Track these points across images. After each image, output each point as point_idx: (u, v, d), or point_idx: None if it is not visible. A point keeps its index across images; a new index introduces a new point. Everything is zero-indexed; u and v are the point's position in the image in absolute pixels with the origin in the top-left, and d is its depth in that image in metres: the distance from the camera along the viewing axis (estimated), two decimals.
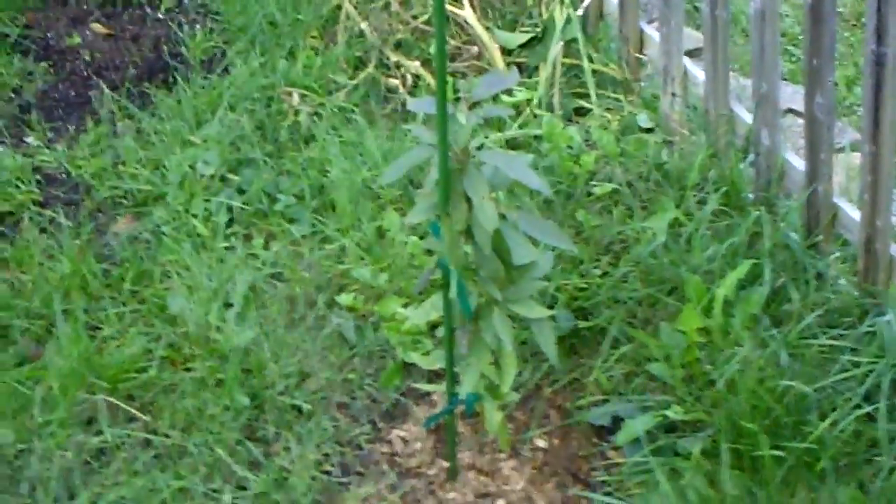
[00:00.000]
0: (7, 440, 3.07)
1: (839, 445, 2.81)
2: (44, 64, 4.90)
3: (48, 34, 5.07)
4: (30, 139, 4.50)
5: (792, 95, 4.31)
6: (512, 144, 4.04)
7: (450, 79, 4.13)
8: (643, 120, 4.17)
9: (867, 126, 3.09)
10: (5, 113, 4.64)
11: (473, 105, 2.65)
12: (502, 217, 2.64)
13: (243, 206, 3.95)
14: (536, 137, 4.02)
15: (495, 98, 4.04)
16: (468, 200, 2.61)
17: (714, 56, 3.77)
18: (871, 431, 2.84)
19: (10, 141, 4.47)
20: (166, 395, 3.22)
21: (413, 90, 4.46)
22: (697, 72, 3.99)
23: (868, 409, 2.86)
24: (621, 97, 4.30)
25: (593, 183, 3.81)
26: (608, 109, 4.25)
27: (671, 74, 4.08)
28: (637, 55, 4.35)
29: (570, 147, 3.93)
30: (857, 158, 3.43)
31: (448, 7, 4.49)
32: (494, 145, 3.89)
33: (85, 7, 5.24)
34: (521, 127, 4.09)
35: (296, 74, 4.51)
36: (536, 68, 4.42)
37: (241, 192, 4.03)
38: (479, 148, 2.65)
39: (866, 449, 2.84)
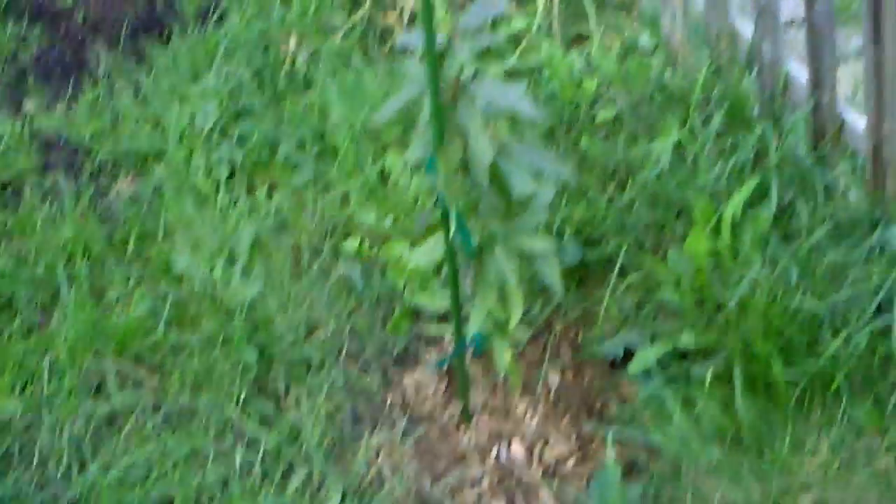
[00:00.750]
0: (15, 413, 3.06)
1: (853, 362, 2.75)
2: (38, 26, 4.84)
3: None
4: (27, 104, 4.46)
5: (795, 6, 4.19)
6: (512, 74, 3.95)
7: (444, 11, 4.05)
8: (644, 40, 4.09)
9: (868, 27, 2.99)
10: (1, 78, 4.59)
11: (470, 37, 2.59)
12: (499, 149, 2.58)
13: (244, 157, 3.90)
14: (537, 67, 3.94)
15: (493, 26, 3.95)
16: (463, 134, 2.55)
17: None
18: (886, 345, 2.78)
19: (7, 107, 4.43)
20: (174, 355, 3.20)
21: (410, 25, 4.38)
22: None
23: (880, 323, 2.80)
24: (621, 18, 4.21)
25: (596, 108, 3.74)
26: (608, 31, 4.17)
27: None
28: None
29: (571, 73, 3.86)
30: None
31: None
32: (490, 76, 3.81)
33: None
34: (520, 56, 4.01)
35: (291, 19, 4.44)
36: None
37: (241, 142, 3.97)
38: (474, 77, 2.58)
39: (881, 363, 2.78)
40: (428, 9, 2.46)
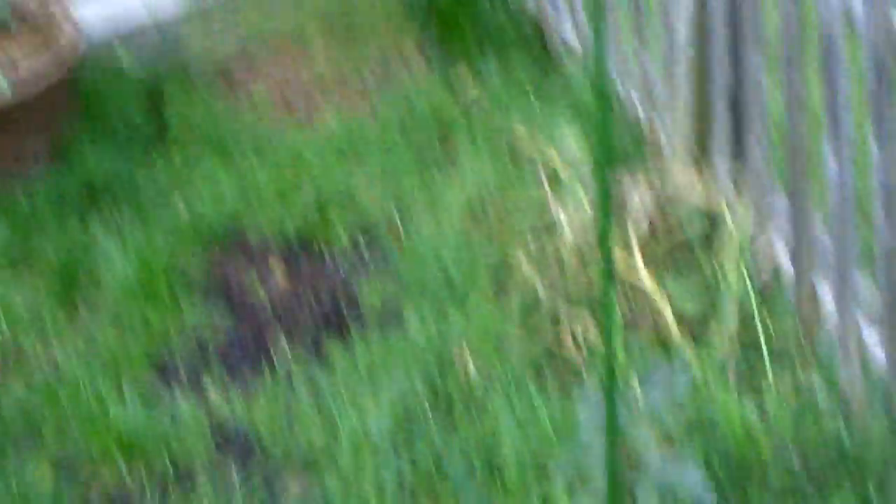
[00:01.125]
0: None
1: None
2: (225, 312, 5.00)
3: (229, 278, 5.19)
4: (208, 388, 4.58)
5: None
6: (687, 425, 3.98)
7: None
8: (820, 392, 4.08)
9: None
10: (185, 359, 4.74)
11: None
12: None
13: (412, 473, 3.96)
14: (710, 415, 3.96)
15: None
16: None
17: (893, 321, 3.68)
18: None
19: (188, 387, 4.57)
20: None
21: (588, 353, 4.42)
22: (875, 337, 3.88)
23: None
24: (797, 366, 4.22)
25: (768, 467, 3.73)
26: (783, 379, 4.17)
27: (847, 341, 3.99)
28: (812, 318, 4.26)
29: (745, 426, 3.86)
30: None
31: (621, 268, 4.48)
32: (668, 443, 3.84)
33: (265, 252, 5.35)
34: (694, 403, 4.03)
35: (468, 332, 4.54)
36: (706, 324, 4.37)
37: (410, 456, 4.04)
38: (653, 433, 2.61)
39: None
40: (611, 383, 2.50)
